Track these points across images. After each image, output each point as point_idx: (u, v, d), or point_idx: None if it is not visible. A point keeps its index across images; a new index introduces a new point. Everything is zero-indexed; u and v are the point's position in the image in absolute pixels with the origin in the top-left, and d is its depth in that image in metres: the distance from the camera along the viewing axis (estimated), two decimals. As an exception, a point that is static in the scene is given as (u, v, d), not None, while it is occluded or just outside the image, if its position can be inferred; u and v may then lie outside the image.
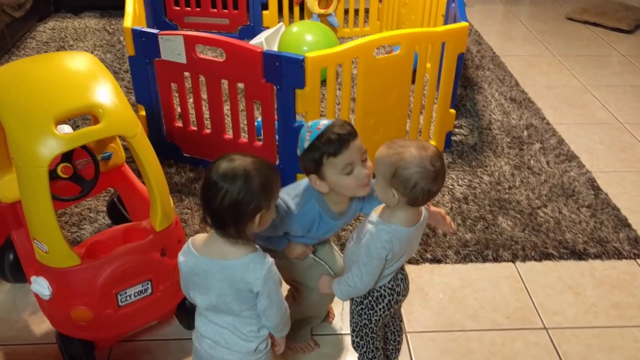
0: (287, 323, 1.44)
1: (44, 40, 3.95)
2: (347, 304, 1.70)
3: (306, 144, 1.44)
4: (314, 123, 1.46)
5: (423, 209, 1.47)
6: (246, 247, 1.32)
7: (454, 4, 2.88)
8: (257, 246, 1.36)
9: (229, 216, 1.26)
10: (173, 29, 4.01)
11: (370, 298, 1.53)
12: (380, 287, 1.52)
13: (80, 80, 1.56)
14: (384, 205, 1.46)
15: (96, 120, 1.56)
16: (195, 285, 1.37)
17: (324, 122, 1.45)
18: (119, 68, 3.54)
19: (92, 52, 3.77)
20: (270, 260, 1.34)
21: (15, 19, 3.76)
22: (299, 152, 1.48)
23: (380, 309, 1.54)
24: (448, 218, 1.62)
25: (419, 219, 1.45)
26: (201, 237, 1.36)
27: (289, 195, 1.56)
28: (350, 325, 1.61)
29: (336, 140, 1.41)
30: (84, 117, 2.83)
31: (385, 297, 1.53)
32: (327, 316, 1.96)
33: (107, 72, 1.63)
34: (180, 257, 1.37)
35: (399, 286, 1.55)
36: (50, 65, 1.63)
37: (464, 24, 2.58)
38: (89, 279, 1.54)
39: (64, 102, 1.48)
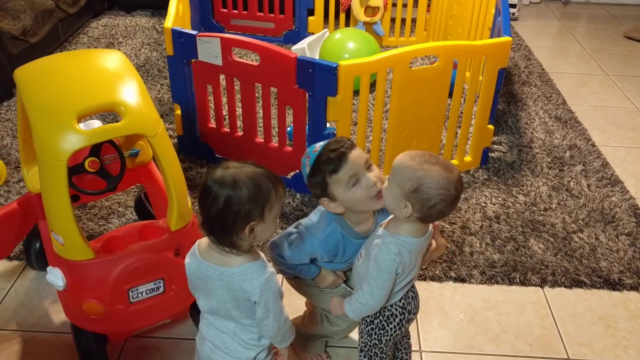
0: (288, 334, 1.40)
1: (95, 37, 4.07)
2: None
3: (308, 169, 1.43)
4: (310, 148, 1.45)
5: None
6: (243, 256, 1.30)
7: (500, 18, 2.80)
8: (260, 254, 1.34)
9: (218, 224, 1.25)
10: (220, 30, 4.07)
11: (381, 317, 1.49)
12: (392, 306, 1.48)
13: (105, 78, 1.59)
14: (390, 217, 1.41)
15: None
16: (199, 288, 1.37)
17: (320, 144, 1.44)
18: (163, 67, 3.60)
19: (139, 50, 3.87)
20: (270, 270, 1.31)
21: (69, 15, 3.88)
22: (305, 181, 1.47)
23: (391, 329, 1.49)
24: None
25: (427, 230, 1.40)
26: (206, 240, 1.35)
27: (311, 220, 1.54)
28: (359, 344, 1.56)
29: (335, 157, 1.39)
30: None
31: (396, 316, 1.49)
32: None
33: (134, 71, 1.65)
34: (187, 259, 1.37)
35: (409, 304, 1.50)
36: (78, 62, 1.66)
37: (506, 38, 2.51)
38: (101, 274, 1.55)
39: (87, 99, 1.50)
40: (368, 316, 1.50)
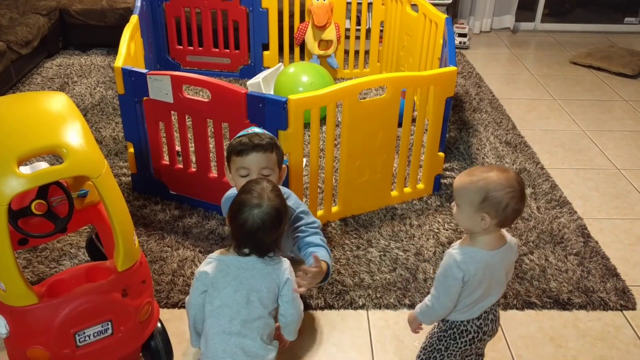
0: (298, 326, 1.65)
1: (49, 77, 4.05)
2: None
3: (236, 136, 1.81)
4: (252, 127, 1.85)
5: (509, 237, 1.50)
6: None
7: (446, 48, 2.89)
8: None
9: (275, 241, 1.54)
10: (176, 67, 4.09)
11: (455, 329, 1.56)
12: (468, 322, 1.54)
13: (47, 120, 1.59)
14: (466, 236, 1.50)
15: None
16: (222, 285, 1.52)
17: (254, 129, 1.83)
18: (118, 105, 3.58)
19: (94, 89, 3.86)
20: (285, 259, 1.58)
21: (22, 56, 3.86)
22: None
23: (461, 342, 1.56)
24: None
25: (502, 244, 1.47)
26: (221, 250, 1.59)
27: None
28: (424, 342, 1.65)
29: (242, 145, 1.74)
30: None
31: (470, 332, 1.55)
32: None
33: (78, 112, 1.65)
34: (204, 267, 1.55)
35: (487, 326, 1.56)
36: (20, 106, 1.66)
37: (452, 68, 2.59)
38: (46, 319, 1.53)
39: (27, 142, 1.50)
40: (444, 324, 1.56)
